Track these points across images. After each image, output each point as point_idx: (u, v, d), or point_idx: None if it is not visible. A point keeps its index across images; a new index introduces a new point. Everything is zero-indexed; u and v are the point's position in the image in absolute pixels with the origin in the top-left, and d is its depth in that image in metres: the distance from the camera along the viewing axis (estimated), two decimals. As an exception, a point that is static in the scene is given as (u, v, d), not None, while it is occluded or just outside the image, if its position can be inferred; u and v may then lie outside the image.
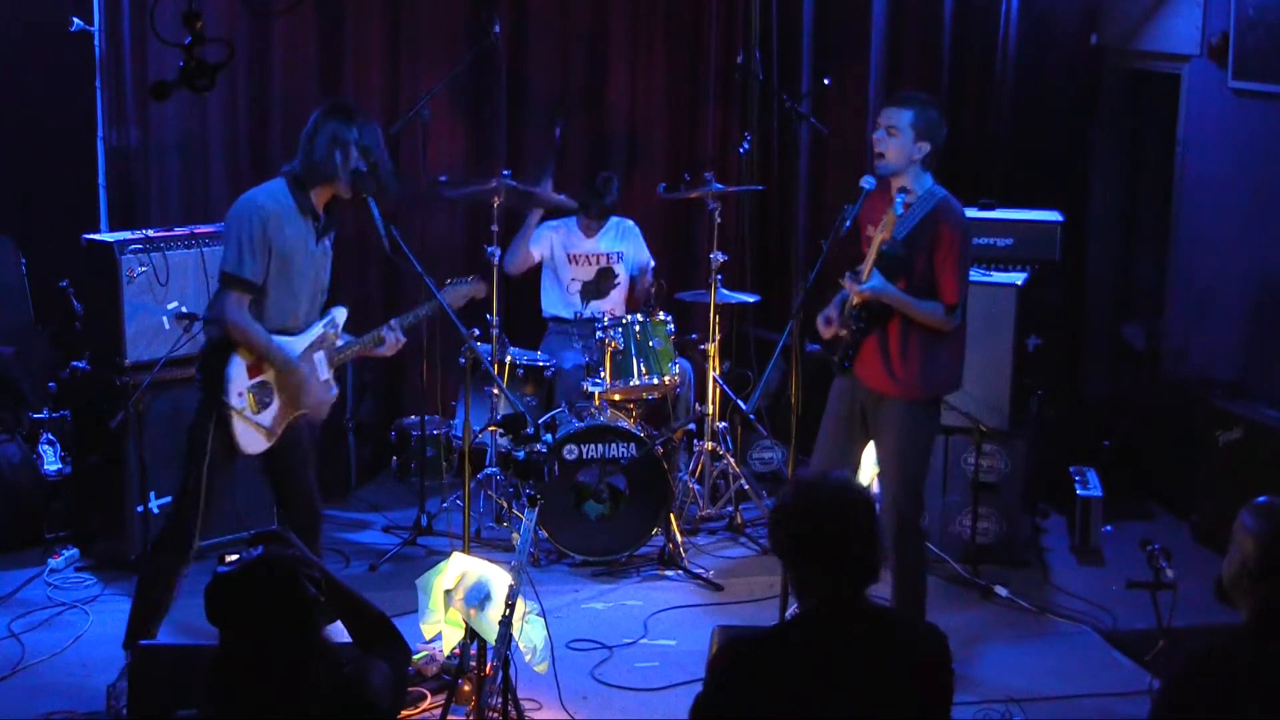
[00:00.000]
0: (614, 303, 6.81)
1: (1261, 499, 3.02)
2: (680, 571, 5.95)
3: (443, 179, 6.51)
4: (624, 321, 6.17)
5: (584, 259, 6.80)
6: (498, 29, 6.47)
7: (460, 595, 4.32)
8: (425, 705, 4.72)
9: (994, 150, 7.32)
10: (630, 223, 6.92)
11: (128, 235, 5.79)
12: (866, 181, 4.88)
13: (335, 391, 4.90)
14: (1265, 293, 6.34)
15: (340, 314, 4.90)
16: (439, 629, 4.53)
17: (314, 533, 4.88)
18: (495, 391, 6.36)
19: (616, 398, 6.19)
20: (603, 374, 6.13)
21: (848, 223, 4.82)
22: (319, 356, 4.81)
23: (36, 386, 6.28)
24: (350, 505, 6.76)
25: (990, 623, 5.47)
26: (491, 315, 6.24)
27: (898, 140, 4.82)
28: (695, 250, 7.35)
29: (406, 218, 6.64)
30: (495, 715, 4.20)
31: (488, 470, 6.38)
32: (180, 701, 2.97)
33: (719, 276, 6.37)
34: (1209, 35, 6.60)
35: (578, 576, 5.92)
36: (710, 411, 6.42)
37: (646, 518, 6.00)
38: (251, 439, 4.65)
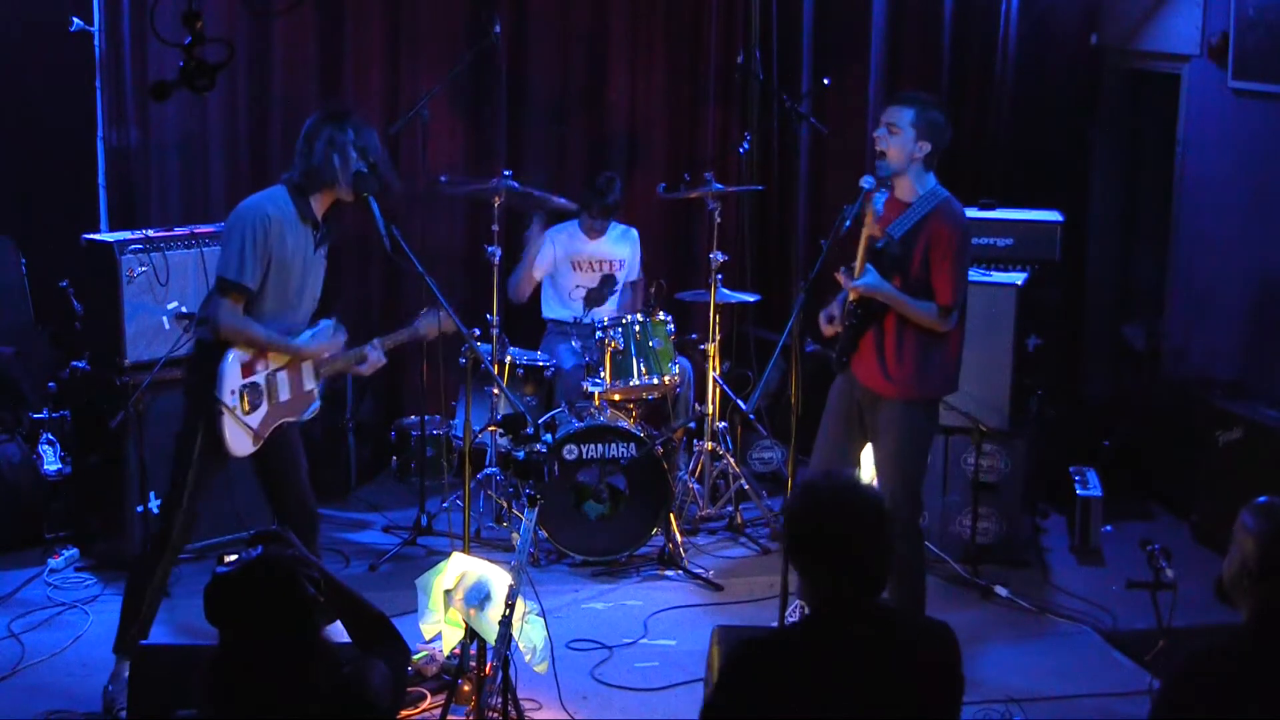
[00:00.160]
0: (613, 310, 6.80)
1: (1262, 499, 3.02)
2: (680, 571, 5.96)
3: (443, 179, 6.51)
4: (624, 321, 6.17)
5: (588, 264, 6.79)
6: (498, 29, 6.47)
7: (460, 595, 4.32)
8: (425, 705, 4.72)
9: (994, 150, 7.32)
10: (634, 231, 6.91)
11: (128, 235, 5.78)
12: (866, 181, 4.88)
13: (316, 406, 4.90)
14: (1265, 293, 6.34)
15: (329, 325, 4.90)
16: (439, 629, 4.53)
17: (310, 533, 4.87)
18: (495, 391, 6.37)
19: (616, 398, 6.19)
20: (603, 374, 6.13)
21: (847, 222, 4.81)
22: (306, 366, 4.83)
23: (36, 386, 6.28)
24: (350, 505, 6.76)
25: (990, 623, 5.47)
26: (491, 315, 6.24)
27: (898, 139, 4.82)
28: (695, 250, 7.35)
29: (406, 218, 6.63)
30: (495, 715, 4.20)
31: (488, 470, 6.38)
32: (180, 701, 2.97)
33: (719, 276, 6.37)
34: (1209, 35, 6.60)
35: (578, 576, 5.92)
36: (710, 411, 6.42)
37: (646, 518, 6.00)
38: (240, 440, 4.65)
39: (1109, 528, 6.38)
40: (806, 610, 5.03)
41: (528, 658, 4.43)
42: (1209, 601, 3.18)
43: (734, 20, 7.28)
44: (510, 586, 4.12)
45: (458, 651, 4.56)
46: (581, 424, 5.98)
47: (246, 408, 4.65)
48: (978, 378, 5.37)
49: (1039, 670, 5.08)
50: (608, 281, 6.81)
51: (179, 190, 6.81)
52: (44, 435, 6.09)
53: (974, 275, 5.51)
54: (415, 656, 4.77)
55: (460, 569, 4.40)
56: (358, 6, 7.01)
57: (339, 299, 6.35)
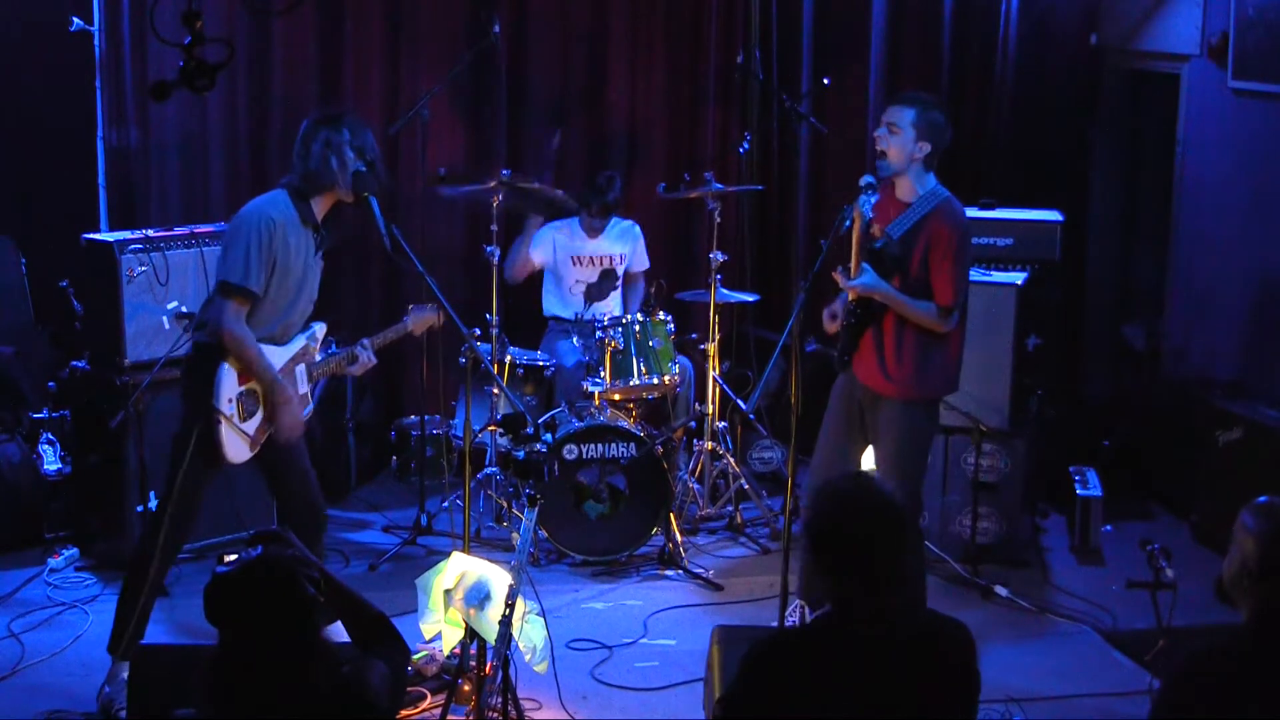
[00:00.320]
0: (614, 305, 6.82)
1: (1262, 499, 3.02)
2: (680, 571, 5.95)
3: (441, 171, 6.50)
4: (624, 321, 6.17)
5: (587, 260, 6.80)
6: (498, 29, 6.47)
7: (460, 595, 4.32)
8: (425, 705, 4.72)
9: (994, 150, 7.32)
10: (635, 226, 6.91)
11: (128, 235, 5.78)
12: (866, 180, 4.88)
13: (311, 408, 4.90)
14: (1265, 293, 6.34)
15: (320, 329, 4.92)
16: (439, 629, 4.53)
17: (316, 532, 4.89)
18: (495, 391, 6.37)
19: (616, 397, 6.19)
20: (603, 373, 6.13)
21: (847, 222, 4.82)
22: (300, 370, 4.83)
23: (36, 386, 6.28)
24: (350, 505, 6.76)
25: (990, 623, 5.46)
26: (491, 315, 6.24)
27: (899, 139, 4.82)
28: (695, 250, 7.35)
29: (406, 218, 6.64)
30: (495, 715, 4.20)
31: (488, 470, 6.38)
32: (180, 701, 2.96)
33: (719, 276, 6.37)
34: (1209, 35, 6.59)
35: (578, 576, 5.92)
36: (710, 411, 6.42)
37: (646, 517, 6.00)
38: (236, 447, 4.66)
39: (1109, 528, 6.38)
40: (807, 610, 5.09)
41: (528, 657, 4.43)
42: (1209, 601, 3.18)
43: (734, 20, 7.28)
44: (510, 586, 4.12)
45: (458, 651, 4.56)
46: (581, 424, 5.98)
47: (243, 415, 4.65)
48: (978, 378, 5.38)
49: (1039, 670, 5.07)
50: (607, 276, 6.81)
51: (179, 190, 6.82)
52: (44, 435, 6.09)
53: (974, 275, 5.51)
54: (415, 656, 4.77)
55: (460, 569, 4.40)
56: (358, 6, 7.01)
57: (337, 300, 6.34)
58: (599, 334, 6.15)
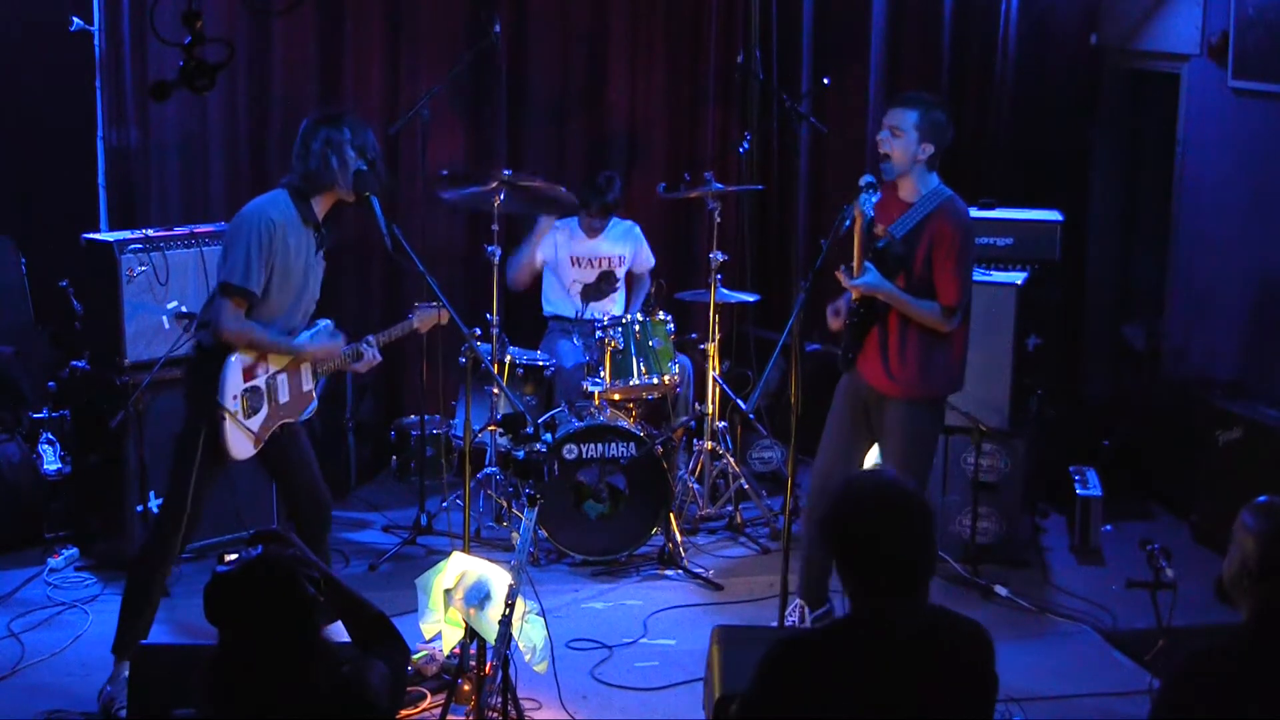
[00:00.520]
0: (613, 305, 6.81)
1: (1261, 499, 3.02)
2: (680, 571, 5.95)
3: (444, 172, 6.51)
4: (624, 321, 6.17)
5: (586, 261, 6.80)
6: (498, 29, 6.47)
7: (460, 595, 4.32)
8: (425, 705, 4.72)
9: (994, 150, 7.32)
10: (635, 226, 6.91)
11: (127, 235, 5.78)
12: (866, 180, 4.88)
13: (314, 406, 4.91)
14: (1265, 293, 6.34)
15: (325, 326, 4.91)
16: (439, 628, 4.53)
17: (322, 528, 4.91)
18: (495, 391, 6.37)
19: (616, 397, 6.19)
20: (602, 373, 6.13)
21: (847, 221, 4.82)
22: (305, 367, 4.84)
23: (36, 386, 6.28)
24: (350, 505, 6.76)
25: (990, 623, 5.33)
26: (491, 315, 6.24)
27: (902, 141, 4.82)
28: (695, 250, 7.35)
29: (407, 217, 6.64)
30: (495, 715, 4.20)
31: (487, 470, 6.38)
32: (180, 701, 2.96)
33: (719, 276, 6.37)
34: (1209, 35, 6.60)
35: (577, 576, 5.92)
36: (710, 411, 6.42)
37: (646, 517, 6.00)
38: (240, 444, 4.67)
39: (1109, 528, 6.38)
40: (807, 609, 5.09)
41: (528, 657, 4.43)
42: (1209, 601, 3.18)
43: (734, 20, 7.28)
44: (510, 586, 4.12)
45: (458, 651, 4.56)
46: (581, 423, 5.98)
47: (247, 411, 4.65)
48: (978, 378, 5.38)
49: (1039, 670, 5.07)
50: (606, 278, 6.80)
51: (179, 190, 6.82)
52: (44, 435, 6.09)
53: (974, 275, 5.51)
54: (415, 656, 4.77)
55: (460, 568, 4.40)
56: (358, 6, 7.01)
57: (338, 300, 6.34)
58: (599, 334, 6.15)
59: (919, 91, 5.15)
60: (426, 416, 6.55)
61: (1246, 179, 6.44)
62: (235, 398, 4.61)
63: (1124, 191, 7.70)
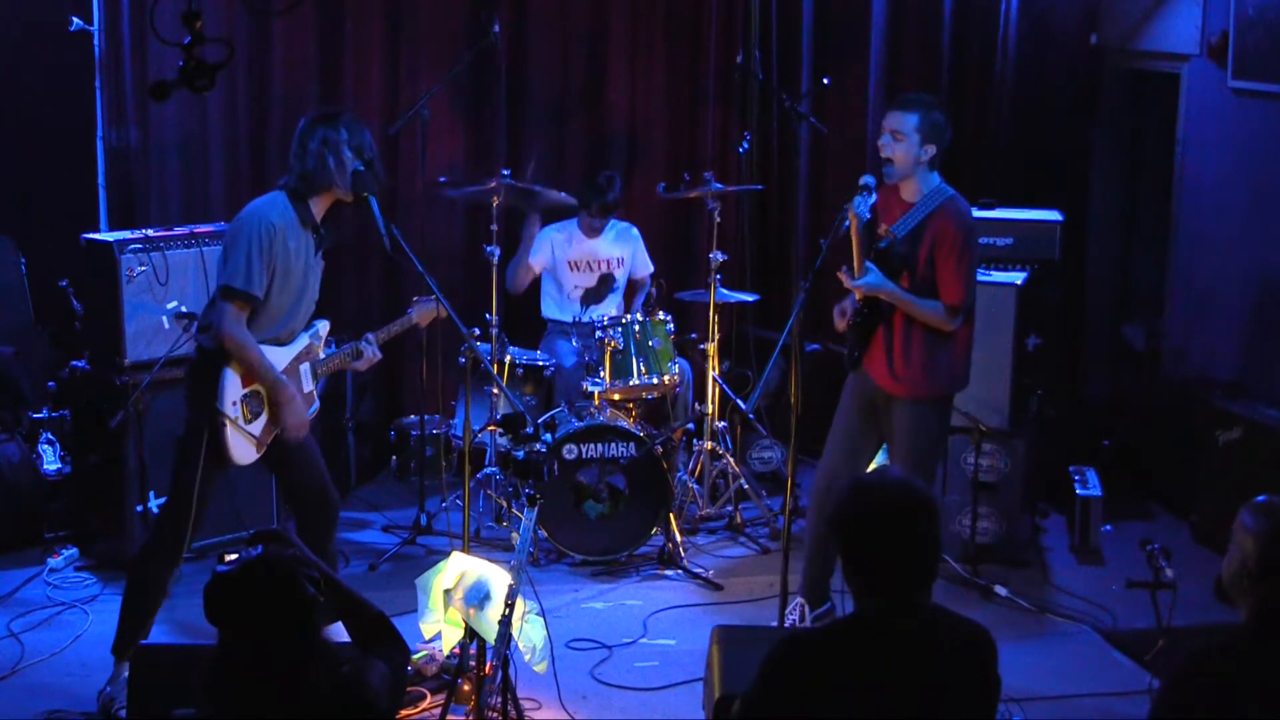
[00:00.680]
0: (612, 308, 6.81)
1: (1261, 498, 3.02)
2: (680, 571, 5.95)
3: (442, 180, 6.51)
4: (623, 321, 6.17)
5: (586, 264, 6.79)
6: (498, 29, 6.47)
7: (460, 595, 4.32)
8: (425, 705, 4.72)
9: (994, 150, 7.32)
10: (633, 229, 6.91)
11: (127, 235, 5.78)
12: (866, 180, 4.89)
13: (317, 406, 4.91)
14: (1265, 293, 6.34)
15: (323, 326, 4.91)
16: (438, 629, 4.53)
17: (331, 527, 4.91)
18: (495, 391, 6.36)
19: (616, 397, 6.19)
20: (602, 373, 6.13)
21: (846, 223, 4.82)
22: (304, 368, 4.84)
23: (36, 386, 6.28)
24: (350, 505, 6.75)
25: (990, 623, 5.34)
26: (491, 315, 6.24)
27: (904, 145, 4.83)
28: (695, 250, 7.35)
29: (406, 218, 6.64)
30: (495, 715, 4.20)
31: (487, 470, 6.38)
32: (180, 701, 2.96)
33: (718, 276, 6.37)
34: (1209, 35, 6.59)
35: (577, 576, 5.92)
36: (710, 411, 6.42)
37: (646, 517, 6.00)
38: (242, 449, 4.66)
39: (1109, 528, 6.38)
40: (807, 608, 5.09)
41: (527, 657, 4.43)
42: (1209, 601, 3.18)
43: (734, 20, 7.28)
44: (510, 586, 4.12)
45: (458, 651, 4.56)
46: (581, 424, 5.98)
47: (248, 416, 4.65)
48: (978, 378, 5.37)
49: (1039, 670, 5.07)
50: (606, 281, 6.81)
51: (179, 190, 6.82)
52: (44, 435, 6.09)
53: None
54: (415, 656, 4.77)
55: (460, 568, 4.40)
56: (358, 6, 7.01)
57: (337, 300, 6.34)
58: (599, 334, 6.15)
59: (917, 93, 5.15)
60: (426, 416, 6.55)
61: (1246, 179, 6.44)
62: (235, 404, 4.61)
63: (1124, 191, 7.70)
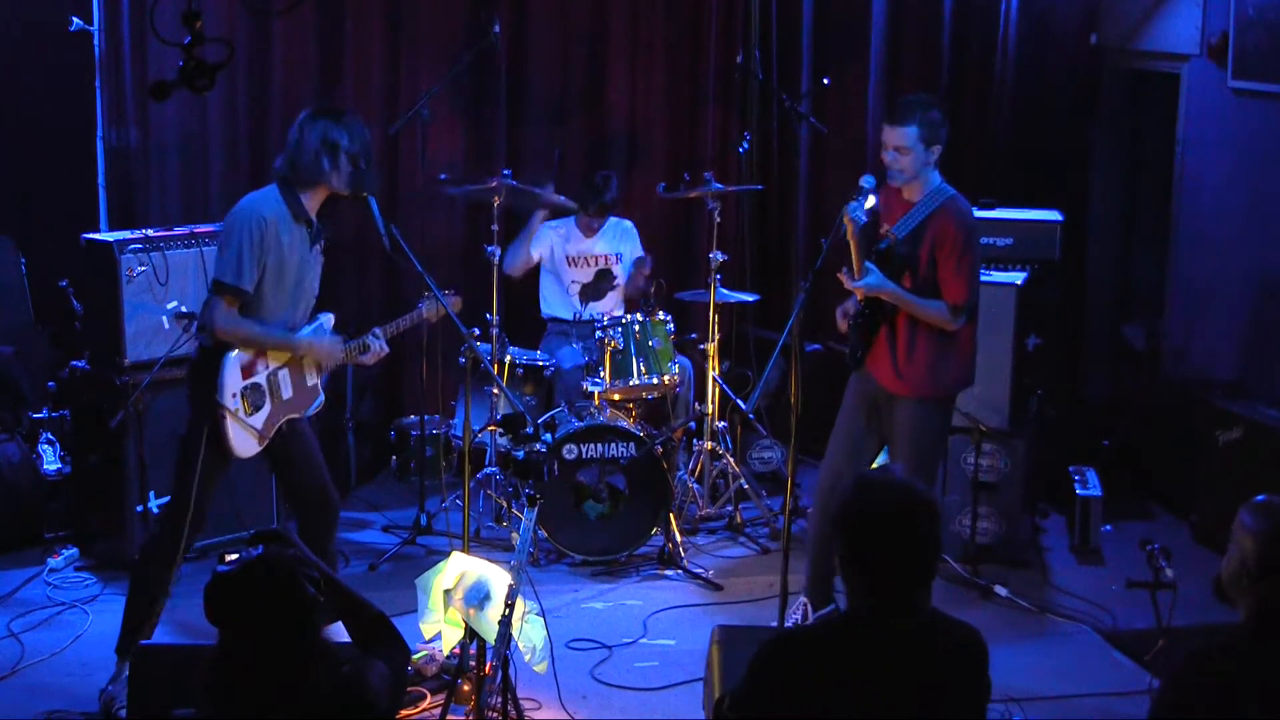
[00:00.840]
0: (612, 304, 6.82)
1: (1260, 498, 3.02)
2: (680, 571, 5.95)
3: (443, 177, 6.51)
4: (623, 321, 6.17)
5: (583, 260, 6.81)
6: (498, 29, 6.47)
7: (460, 595, 4.32)
8: (425, 705, 4.72)
9: (994, 150, 7.32)
10: (628, 224, 6.92)
11: (127, 235, 5.79)
12: (866, 180, 4.89)
13: (321, 400, 4.91)
14: (1265, 293, 6.34)
15: (328, 320, 4.91)
16: (438, 629, 4.53)
17: (331, 525, 4.92)
18: (495, 391, 6.37)
19: (616, 397, 6.19)
20: (602, 373, 6.13)
21: (844, 226, 4.82)
22: (308, 360, 4.83)
23: (36, 386, 6.28)
24: (350, 505, 6.75)
25: (990, 623, 5.45)
26: (491, 315, 6.24)
27: (910, 157, 4.83)
28: (695, 250, 7.35)
29: (406, 217, 6.64)
30: (495, 715, 4.20)
31: (487, 470, 6.38)
32: (180, 701, 2.97)
33: (718, 276, 6.37)
34: (1209, 35, 6.60)
35: (577, 576, 5.92)
36: (710, 411, 6.42)
37: (646, 517, 6.00)
38: (244, 442, 4.67)
39: (1109, 528, 6.38)
40: (810, 609, 5.08)
41: (527, 657, 4.43)
42: (1209, 601, 3.18)
43: (734, 20, 7.29)
44: (510, 586, 4.12)
45: (458, 651, 4.56)
46: (581, 423, 5.98)
47: (249, 409, 4.65)
48: (978, 378, 5.38)
49: (1039, 670, 5.07)
50: (604, 276, 6.81)
51: (179, 190, 6.82)
52: (44, 435, 6.10)
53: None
54: (415, 656, 4.77)
55: (460, 568, 4.40)
56: (358, 6, 7.01)
57: (337, 300, 6.33)
58: (599, 334, 6.15)
59: (908, 99, 5.08)
60: (426, 416, 6.55)
61: (1246, 179, 6.44)
62: (235, 395, 4.61)
63: (1124, 191, 7.70)
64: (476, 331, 6.07)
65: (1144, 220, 7.60)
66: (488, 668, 4.21)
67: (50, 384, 6.21)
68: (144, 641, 4.63)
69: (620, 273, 6.87)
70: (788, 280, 7.39)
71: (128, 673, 4.44)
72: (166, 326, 5.76)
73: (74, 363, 5.96)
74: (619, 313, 6.59)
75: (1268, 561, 2.90)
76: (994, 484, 5.99)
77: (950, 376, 5.00)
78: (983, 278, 5.88)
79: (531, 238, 6.78)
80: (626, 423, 6.05)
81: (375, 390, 7.21)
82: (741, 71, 7.17)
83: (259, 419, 4.69)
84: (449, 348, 6.22)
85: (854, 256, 4.85)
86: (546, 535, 5.95)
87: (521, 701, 4.36)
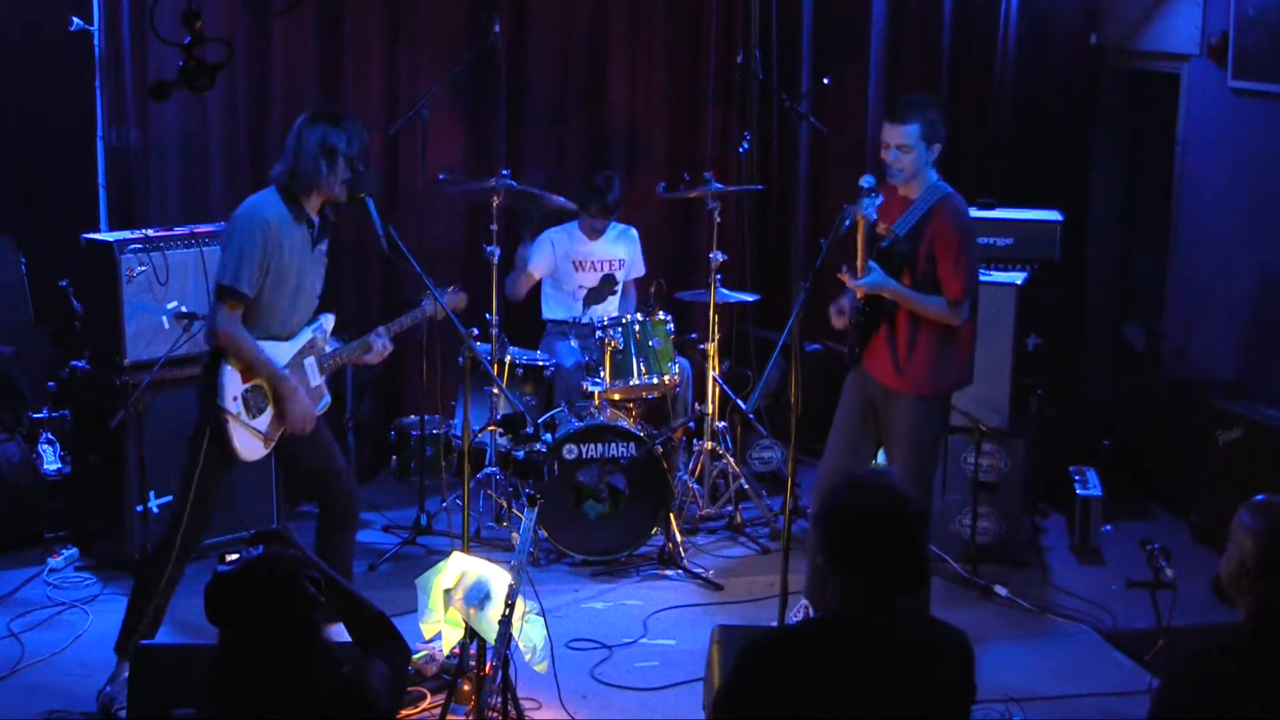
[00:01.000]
0: (613, 308, 6.81)
1: (1259, 497, 3.02)
2: (680, 571, 5.95)
3: (442, 177, 6.51)
4: (623, 321, 6.17)
5: (589, 264, 6.80)
6: (498, 29, 6.47)
7: (460, 595, 4.32)
8: (425, 705, 4.72)
9: (994, 150, 7.33)
10: (633, 230, 6.91)
11: (127, 235, 5.78)
12: (866, 180, 4.89)
13: (327, 400, 4.91)
14: (1265, 293, 6.34)
15: (328, 320, 4.91)
16: (439, 629, 4.53)
17: (343, 527, 4.90)
18: (495, 391, 6.36)
19: (616, 397, 6.19)
20: (602, 373, 6.13)
21: (847, 222, 4.83)
22: (309, 362, 4.84)
23: (36, 386, 6.28)
24: (350, 505, 6.76)
25: (990, 623, 5.46)
26: (491, 315, 6.24)
27: (911, 155, 4.85)
28: (695, 250, 7.35)
29: (406, 218, 6.64)
30: (495, 715, 4.20)
31: (487, 470, 6.38)
32: (180, 701, 2.97)
33: (718, 276, 6.37)
34: (1209, 35, 6.60)
35: (577, 576, 5.92)
36: (710, 411, 6.42)
37: (646, 517, 6.00)
38: (249, 445, 4.66)
39: (1109, 527, 6.38)
40: (811, 610, 5.08)
41: (527, 657, 4.43)
42: (1209, 601, 3.18)
43: (734, 20, 7.28)
44: (510, 586, 4.12)
45: (458, 651, 4.56)
46: (581, 424, 5.98)
47: (251, 411, 4.65)
48: (978, 377, 5.38)
49: (1039, 670, 5.08)
50: (608, 281, 6.82)
51: (179, 190, 6.81)
52: (44, 435, 6.09)
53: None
54: (415, 656, 4.77)
55: (460, 568, 4.40)
56: (358, 6, 7.01)
57: (336, 301, 6.33)
58: (599, 334, 6.15)
59: (908, 98, 5.09)
60: (426, 416, 6.55)
61: (1246, 179, 6.44)
62: (235, 399, 4.61)
63: (1124, 191, 7.70)
64: (475, 331, 6.07)
65: (1144, 220, 7.60)
66: (488, 668, 4.21)
67: (50, 384, 6.20)
68: (144, 641, 4.63)
69: (622, 279, 6.87)
70: (788, 280, 7.39)
71: (127, 673, 4.45)
72: (166, 326, 5.76)
73: (74, 363, 5.96)
74: (618, 313, 6.59)
75: (1267, 561, 2.90)
76: (994, 484, 5.99)
77: (950, 374, 5.00)
78: (983, 277, 5.90)
79: (524, 259, 6.77)
80: (626, 423, 6.05)
81: (375, 390, 7.21)
82: (741, 71, 7.17)
83: (263, 422, 4.69)
84: (449, 348, 6.21)
85: (860, 255, 4.85)
86: (546, 535, 5.95)
87: (521, 701, 4.36)
